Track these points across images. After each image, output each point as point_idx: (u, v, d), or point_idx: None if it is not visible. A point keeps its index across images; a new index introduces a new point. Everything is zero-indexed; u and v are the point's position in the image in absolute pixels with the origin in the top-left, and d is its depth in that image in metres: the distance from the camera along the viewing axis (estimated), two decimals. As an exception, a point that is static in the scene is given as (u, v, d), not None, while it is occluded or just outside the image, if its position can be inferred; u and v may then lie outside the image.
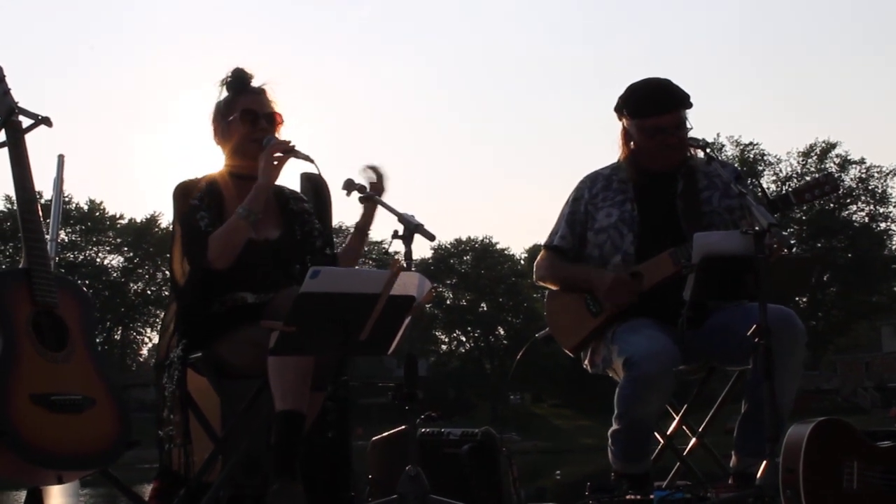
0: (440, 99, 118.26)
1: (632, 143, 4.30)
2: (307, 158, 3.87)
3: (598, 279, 4.18)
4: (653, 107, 4.20)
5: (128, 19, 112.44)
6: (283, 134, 4.07)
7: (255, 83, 4.12)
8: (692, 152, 4.24)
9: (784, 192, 4.11)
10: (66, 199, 61.63)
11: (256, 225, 3.85)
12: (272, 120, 4.07)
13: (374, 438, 4.50)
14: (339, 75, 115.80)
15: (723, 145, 67.59)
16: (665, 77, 4.28)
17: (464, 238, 75.91)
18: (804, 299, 61.06)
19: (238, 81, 4.11)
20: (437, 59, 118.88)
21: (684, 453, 4.47)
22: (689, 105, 4.21)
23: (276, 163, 3.85)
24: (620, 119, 4.33)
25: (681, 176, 4.28)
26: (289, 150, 3.85)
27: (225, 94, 4.12)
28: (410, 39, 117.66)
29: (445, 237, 72.17)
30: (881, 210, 71.02)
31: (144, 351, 73.65)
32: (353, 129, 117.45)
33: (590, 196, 4.38)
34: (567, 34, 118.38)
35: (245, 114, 4.03)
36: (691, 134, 4.16)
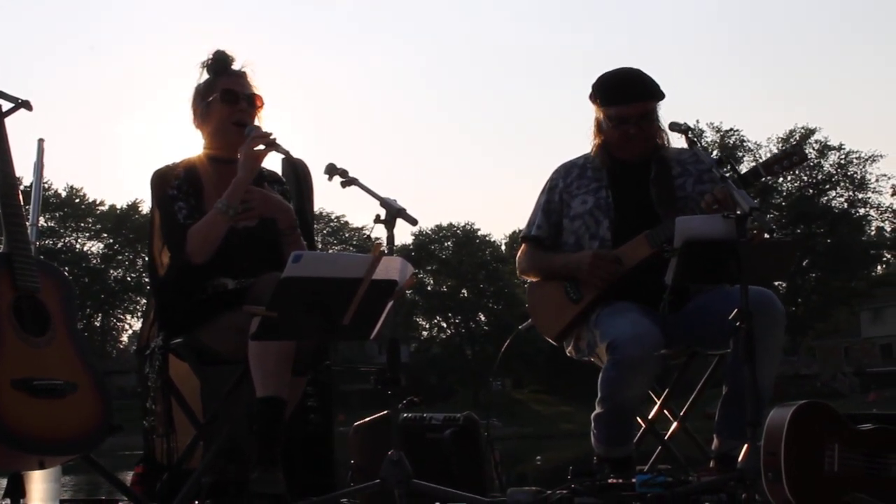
0: (424, 86, 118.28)
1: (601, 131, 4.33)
2: (287, 153, 3.86)
3: (577, 260, 4.20)
4: (617, 96, 4.24)
5: (111, 6, 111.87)
6: (262, 118, 4.07)
7: (235, 66, 4.11)
8: (666, 142, 4.28)
9: (753, 166, 4.12)
10: (45, 184, 61.32)
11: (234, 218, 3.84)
12: (252, 101, 4.05)
13: (356, 424, 4.50)
14: (321, 62, 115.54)
15: (702, 131, 67.72)
16: (638, 67, 4.31)
17: (445, 224, 75.98)
18: (783, 284, 61.30)
19: (219, 63, 4.09)
20: (421, 46, 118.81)
21: (666, 437, 4.49)
22: (659, 97, 4.24)
23: (256, 156, 3.84)
24: (594, 107, 4.35)
25: (653, 163, 4.30)
26: (270, 144, 3.83)
27: (205, 76, 4.10)
28: (393, 26, 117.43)
29: (426, 223, 72.20)
30: (860, 196, 71.35)
31: (125, 337, 73.61)
32: (336, 115, 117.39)
33: (564, 185, 4.41)
34: (551, 22, 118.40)
35: (225, 94, 4.01)
36: (673, 119, 4.17)
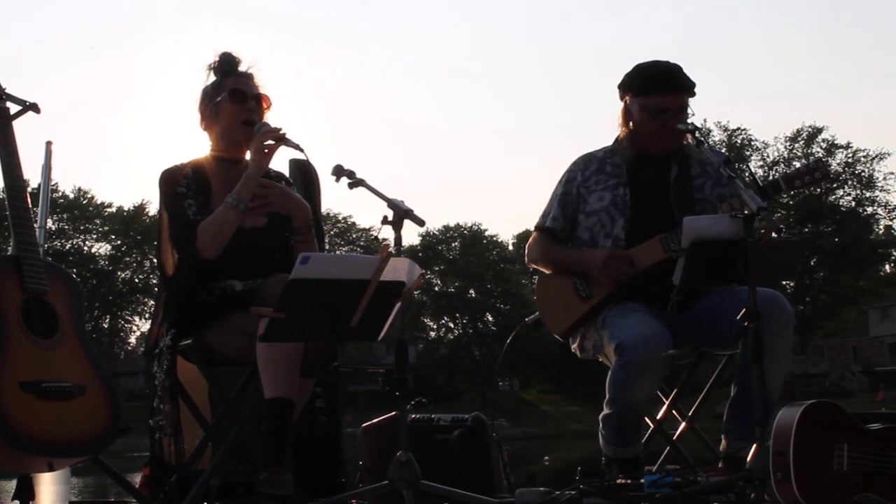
0: (429, 85, 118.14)
1: (631, 122, 4.28)
2: (297, 147, 3.85)
3: (591, 257, 4.17)
4: (659, 86, 4.17)
5: (117, 6, 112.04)
6: (270, 118, 4.07)
7: (242, 67, 4.11)
8: (688, 139, 4.23)
9: (774, 178, 4.09)
10: (53, 186, 61.37)
11: (245, 213, 3.83)
12: (260, 102, 4.05)
13: (364, 424, 4.50)
14: (327, 61, 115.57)
15: (710, 130, 67.70)
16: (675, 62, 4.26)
17: (452, 224, 75.94)
18: (791, 284, 61.20)
19: (226, 64, 4.09)
20: (423, 45, 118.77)
21: (674, 438, 4.48)
22: (694, 93, 4.20)
23: (266, 151, 3.84)
24: (623, 97, 4.30)
25: (676, 162, 4.27)
26: (280, 139, 3.83)
27: (212, 78, 4.10)
28: (403, 25, 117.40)
29: (434, 223, 72.18)
30: (868, 194, 71.26)
31: (132, 339, 73.67)
32: (344, 115, 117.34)
33: (583, 178, 4.36)
34: (554, 20, 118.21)
35: (233, 94, 4.01)
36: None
